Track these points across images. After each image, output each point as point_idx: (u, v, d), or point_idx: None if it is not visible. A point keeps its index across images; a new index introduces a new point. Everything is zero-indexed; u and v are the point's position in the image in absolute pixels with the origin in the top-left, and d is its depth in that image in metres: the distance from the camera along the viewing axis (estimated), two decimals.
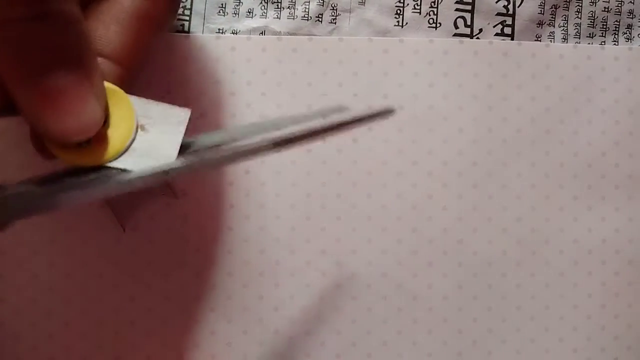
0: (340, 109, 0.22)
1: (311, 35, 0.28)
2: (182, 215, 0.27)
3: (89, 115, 0.17)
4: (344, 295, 0.28)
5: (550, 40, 0.29)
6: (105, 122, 0.19)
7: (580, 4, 0.29)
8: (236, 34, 0.28)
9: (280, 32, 0.28)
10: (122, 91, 0.19)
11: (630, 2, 0.29)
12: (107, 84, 0.19)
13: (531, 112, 0.28)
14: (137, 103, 0.20)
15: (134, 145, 0.19)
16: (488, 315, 0.28)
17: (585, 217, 0.29)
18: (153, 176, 0.18)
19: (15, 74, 0.16)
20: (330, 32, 0.28)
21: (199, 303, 0.27)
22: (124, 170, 0.19)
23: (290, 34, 0.28)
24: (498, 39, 0.28)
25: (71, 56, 0.17)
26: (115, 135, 0.19)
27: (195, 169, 0.19)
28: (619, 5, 0.29)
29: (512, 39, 0.29)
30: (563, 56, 0.29)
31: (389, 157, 0.28)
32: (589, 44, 0.29)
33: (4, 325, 0.26)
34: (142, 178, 0.18)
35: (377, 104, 0.28)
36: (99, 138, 0.19)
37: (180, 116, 0.20)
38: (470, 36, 0.28)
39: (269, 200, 0.27)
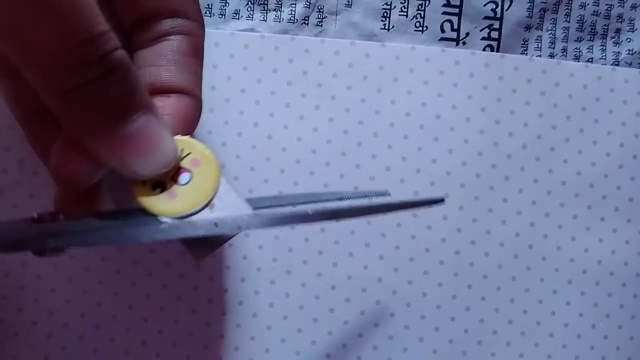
0: (384, 192, 0.24)
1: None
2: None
3: (168, 147, 0.19)
4: (338, 296, 0.28)
5: (538, 45, 0.29)
6: (189, 181, 0.20)
7: (570, 7, 0.29)
8: None
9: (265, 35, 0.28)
10: (217, 168, 0.20)
11: (620, 5, 0.29)
12: (207, 154, 0.20)
13: (538, 128, 0.29)
14: (223, 184, 0.20)
15: (194, 218, 0.20)
16: (480, 327, 0.28)
17: (583, 236, 0.29)
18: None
19: (96, 128, 0.18)
20: (317, 35, 0.28)
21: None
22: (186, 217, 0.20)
23: None
24: (484, 43, 0.29)
25: (139, 101, 0.18)
26: (188, 198, 0.20)
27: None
28: (609, 9, 0.29)
29: (499, 44, 0.29)
30: (573, 75, 0.29)
31: (392, 163, 0.28)
32: (576, 48, 0.29)
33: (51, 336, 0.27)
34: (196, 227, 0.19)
35: (356, 108, 0.28)
36: (174, 192, 0.20)
37: (242, 209, 0.20)
38: (457, 41, 0.28)
39: None
